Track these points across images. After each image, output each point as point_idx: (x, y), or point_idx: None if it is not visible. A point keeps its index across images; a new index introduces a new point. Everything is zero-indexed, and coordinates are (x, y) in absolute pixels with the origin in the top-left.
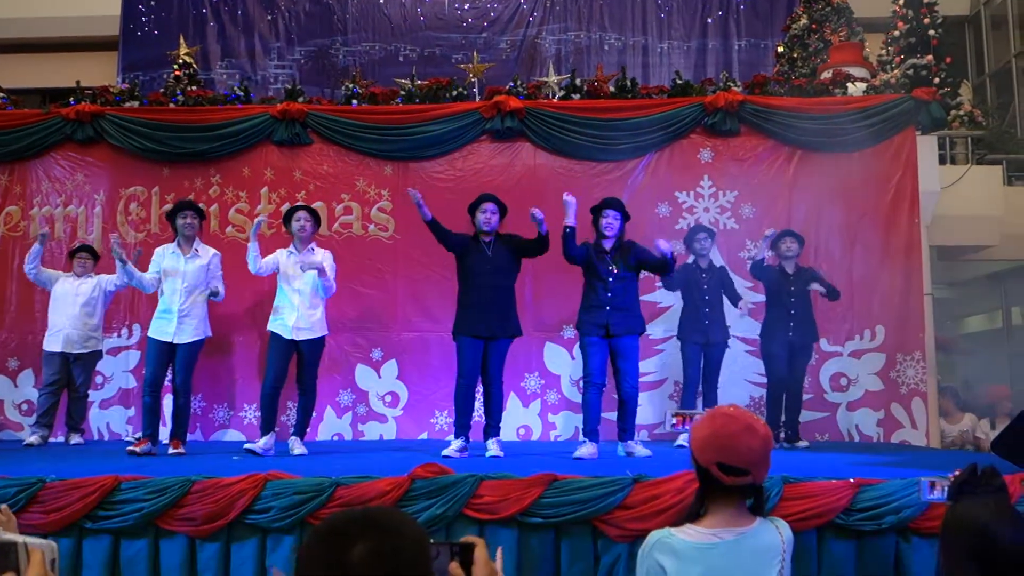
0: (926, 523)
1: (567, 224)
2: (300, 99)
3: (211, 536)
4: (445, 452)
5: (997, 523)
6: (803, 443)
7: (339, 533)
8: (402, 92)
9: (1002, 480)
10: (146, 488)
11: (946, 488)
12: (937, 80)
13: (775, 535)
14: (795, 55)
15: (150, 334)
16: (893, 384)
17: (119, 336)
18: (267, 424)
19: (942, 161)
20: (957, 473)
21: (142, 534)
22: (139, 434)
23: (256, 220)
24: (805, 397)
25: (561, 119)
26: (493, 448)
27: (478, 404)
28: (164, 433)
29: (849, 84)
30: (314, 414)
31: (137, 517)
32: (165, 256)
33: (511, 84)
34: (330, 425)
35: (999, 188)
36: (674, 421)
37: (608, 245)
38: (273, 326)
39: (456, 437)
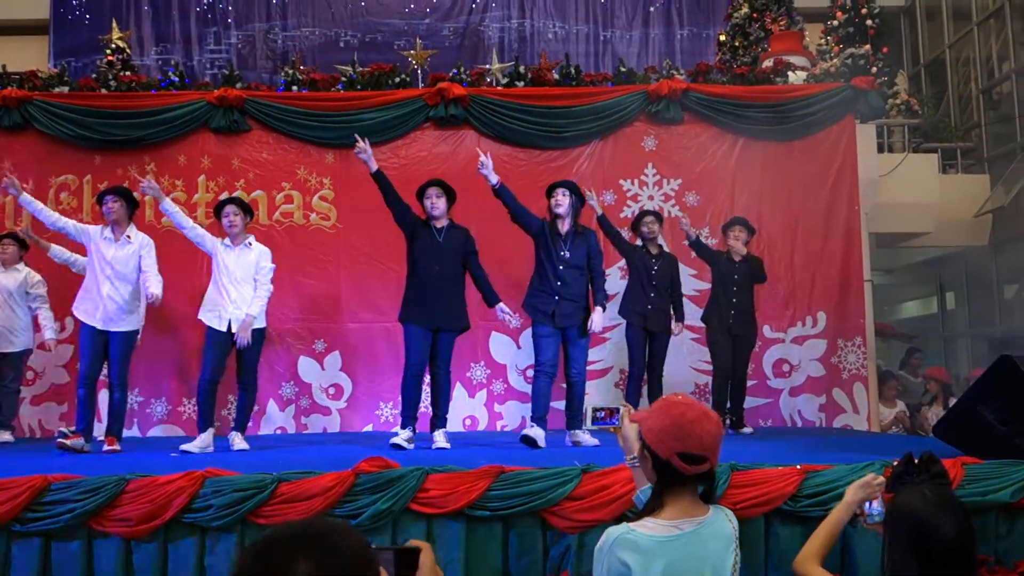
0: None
1: (492, 184)
2: (238, 85)
3: (147, 537)
4: (394, 441)
5: (934, 514)
6: (748, 429)
7: (279, 551)
8: (343, 78)
9: (941, 466)
10: (78, 488)
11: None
12: (875, 70)
13: (727, 523)
14: (736, 44)
15: (76, 313)
16: (835, 369)
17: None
18: (205, 420)
19: (880, 150)
20: (895, 463)
21: (74, 536)
22: (73, 428)
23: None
24: (748, 383)
25: (506, 106)
26: (440, 440)
27: (425, 395)
28: (99, 429)
29: (790, 73)
30: (255, 408)
31: (69, 518)
32: (94, 236)
33: (455, 71)
34: (272, 419)
35: (935, 176)
36: (602, 415)
37: (563, 228)
38: (208, 318)
39: (403, 428)
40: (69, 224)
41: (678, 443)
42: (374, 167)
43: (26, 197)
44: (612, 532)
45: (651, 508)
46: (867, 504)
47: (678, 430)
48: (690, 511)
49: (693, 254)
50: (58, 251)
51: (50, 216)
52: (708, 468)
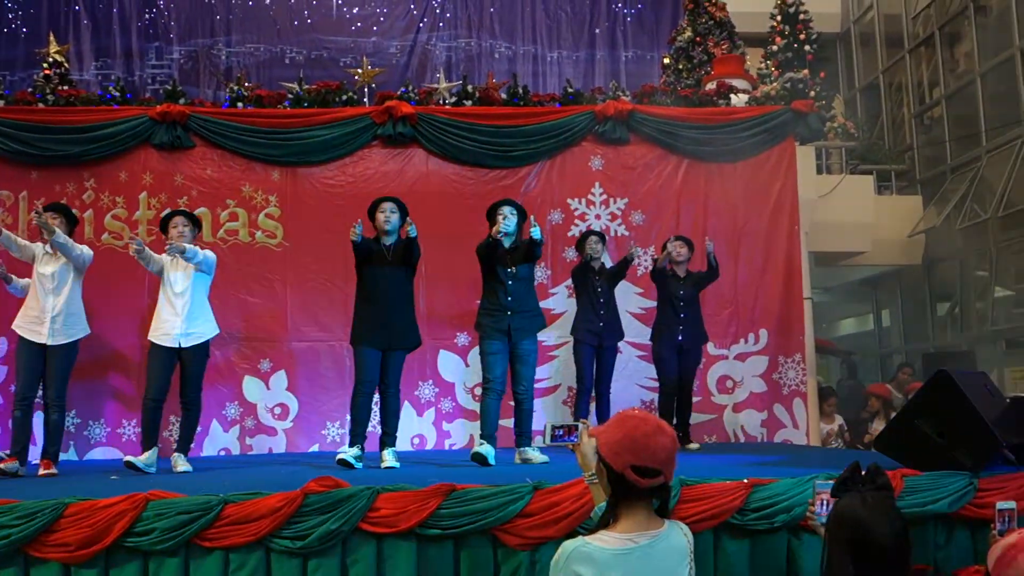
0: (809, 519)
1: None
2: (181, 100)
3: (87, 562)
4: (341, 456)
5: (872, 517)
6: (694, 445)
7: None
8: (290, 95)
9: (886, 478)
10: (14, 513)
11: (826, 500)
12: (813, 93)
13: (682, 536)
14: (680, 67)
15: (18, 330)
16: (776, 385)
17: None
18: (148, 440)
19: (819, 171)
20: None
21: (10, 563)
22: (6, 451)
23: (134, 246)
24: (693, 400)
25: (454, 125)
26: (389, 459)
27: (373, 414)
28: (34, 453)
29: (732, 95)
30: (199, 428)
31: (4, 545)
32: (38, 252)
33: (403, 89)
34: (216, 439)
35: (871, 197)
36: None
37: (507, 244)
38: (153, 335)
39: (351, 446)
40: (28, 246)
41: (632, 456)
42: (358, 240)
43: (7, 235)
44: (568, 545)
45: (606, 521)
46: (818, 505)
47: (632, 443)
48: (645, 525)
49: (640, 272)
50: (23, 284)
51: (19, 246)
52: (662, 482)
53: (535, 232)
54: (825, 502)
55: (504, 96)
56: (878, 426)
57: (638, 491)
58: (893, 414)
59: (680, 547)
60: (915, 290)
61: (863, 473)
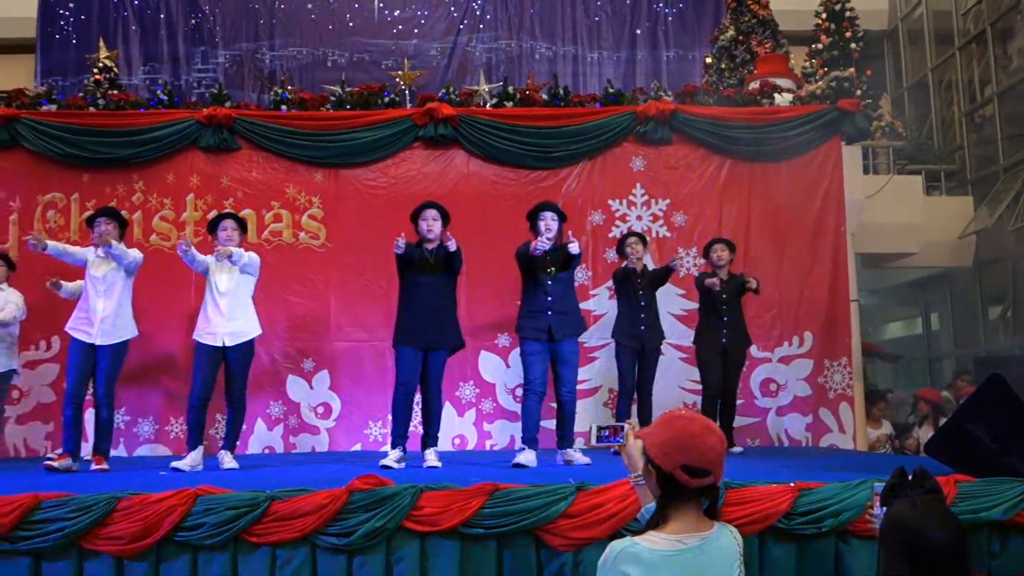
0: (865, 525)
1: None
2: (227, 104)
3: (139, 556)
4: (384, 462)
5: (924, 522)
6: (737, 449)
7: None
8: (332, 98)
9: (935, 482)
10: (68, 506)
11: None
12: (859, 92)
13: (731, 539)
14: (723, 66)
15: (69, 330)
16: (821, 389)
17: (37, 349)
18: (194, 438)
19: (865, 171)
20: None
21: (64, 555)
22: (59, 450)
23: (180, 248)
24: (737, 402)
25: (495, 126)
26: (431, 458)
27: (414, 414)
28: (85, 449)
29: (776, 95)
30: (244, 427)
31: (59, 537)
32: (90, 256)
33: (443, 91)
34: (261, 438)
35: (919, 197)
36: (606, 433)
37: (548, 248)
38: (199, 334)
39: (393, 447)
40: (79, 252)
41: (681, 456)
42: (401, 251)
43: (54, 247)
44: (616, 545)
45: (655, 522)
46: (876, 507)
47: (681, 443)
48: (695, 526)
49: (682, 273)
50: (73, 287)
51: (70, 253)
52: (712, 482)
53: (573, 248)
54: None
55: (545, 97)
56: (926, 432)
57: (688, 492)
58: (943, 420)
59: (730, 549)
60: (966, 293)
61: (910, 478)
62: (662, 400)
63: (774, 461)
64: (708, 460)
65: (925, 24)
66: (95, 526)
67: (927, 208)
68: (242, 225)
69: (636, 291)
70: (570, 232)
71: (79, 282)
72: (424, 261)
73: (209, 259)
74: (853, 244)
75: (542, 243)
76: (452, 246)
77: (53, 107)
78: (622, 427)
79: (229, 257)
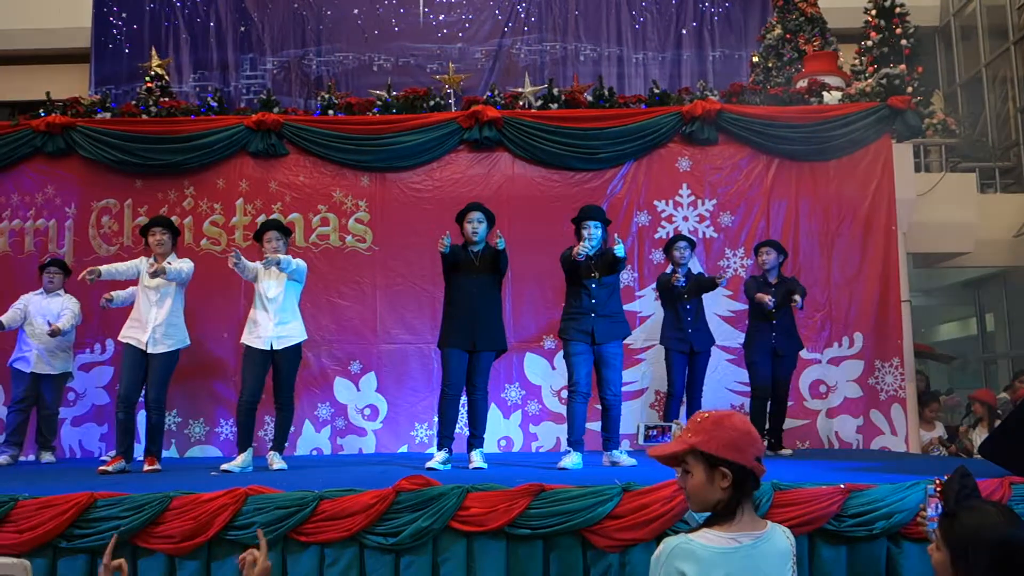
0: (917, 528)
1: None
2: (275, 109)
3: (191, 554)
4: (429, 464)
5: (1015, 530)
6: (787, 451)
7: None
8: (378, 102)
9: (974, 480)
10: (123, 505)
11: (939, 504)
12: (910, 89)
13: (785, 539)
14: (770, 64)
15: (123, 338)
16: (872, 391)
17: (92, 352)
18: (244, 440)
19: (917, 169)
20: (939, 486)
21: (119, 553)
22: (112, 452)
23: (232, 258)
24: (787, 405)
25: (539, 128)
26: (477, 460)
27: (460, 416)
28: (138, 451)
29: (825, 93)
30: (292, 428)
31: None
32: (143, 267)
33: (488, 94)
34: (308, 439)
35: (973, 195)
36: (654, 433)
37: (591, 252)
38: (248, 338)
39: (439, 449)
40: (131, 267)
41: (754, 448)
42: (446, 251)
43: (107, 272)
44: (670, 542)
45: (720, 520)
46: (930, 510)
47: (750, 436)
48: (750, 525)
49: (729, 273)
50: (124, 296)
51: (122, 272)
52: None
53: (619, 250)
54: (939, 506)
55: (590, 98)
56: (980, 434)
57: (756, 483)
58: (997, 422)
59: (784, 549)
60: (1022, 292)
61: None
62: (710, 402)
63: (824, 463)
64: (761, 451)
65: (978, 19)
66: (148, 525)
67: (981, 206)
68: (285, 232)
69: (681, 295)
70: (616, 234)
71: (131, 289)
72: (470, 263)
73: (258, 266)
74: (905, 243)
75: (584, 248)
76: (501, 244)
77: (107, 115)
78: (669, 427)
79: (277, 264)
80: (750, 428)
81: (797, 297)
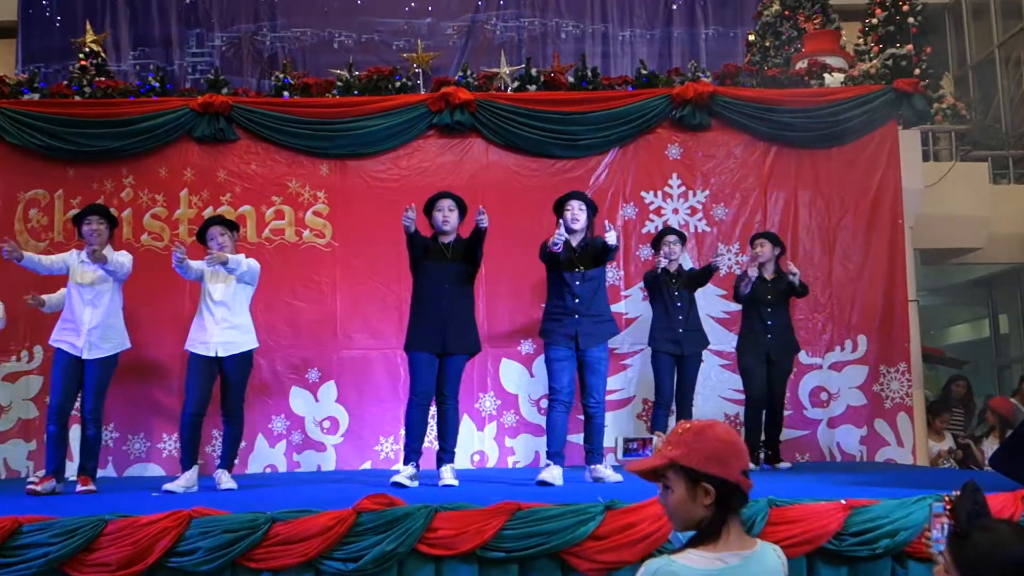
0: (923, 546)
1: (611, 245)
2: (224, 90)
3: None
4: (396, 479)
5: None
6: (785, 464)
7: None
8: (339, 83)
9: (984, 496)
10: (52, 530)
11: (946, 524)
12: (918, 71)
13: (776, 558)
14: (767, 44)
15: (54, 342)
16: (877, 398)
17: (18, 360)
18: (189, 457)
19: (925, 158)
20: (948, 503)
21: None
22: (41, 472)
23: (176, 256)
24: (784, 414)
25: (516, 112)
26: (447, 476)
27: (429, 428)
28: (71, 469)
29: (826, 75)
30: (243, 443)
31: (42, 564)
32: (73, 262)
33: (460, 74)
34: (261, 456)
35: (985, 186)
36: (634, 446)
37: (576, 242)
38: (193, 344)
39: (405, 464)
40: (56, 261)
41: (739, 460)
42: (412, 230)
43: (29, 258)
44: (652, 564)
45: (705, 539)
46: (935, 531)
47: (733, 447)
48: (738, 544)
49: (722, 273)
50: (56, 299)
51: (46, 266)
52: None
53: (611, 238)
54: (945, 526)
55: (571, 80)
56: (992, 444)
57: (740, 502)
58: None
59: (774, 569)
60: None
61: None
62: (702, 412)
63: (824, 477)
64: (747, 463)
65: None
66: (81, 551)
67: (994, 198)
68: (232, 227)
69: (671, 292)
70: (606, 221)
71: (61, 292)
72: (439, 253)
73: (203, 265)
74: (912, 238)
75: (559, 236)
76: (484, 222)
77: (35, 96)
78: (651, 439)
79: (224, 264)
80: (735, 438)
81: (794, 269)
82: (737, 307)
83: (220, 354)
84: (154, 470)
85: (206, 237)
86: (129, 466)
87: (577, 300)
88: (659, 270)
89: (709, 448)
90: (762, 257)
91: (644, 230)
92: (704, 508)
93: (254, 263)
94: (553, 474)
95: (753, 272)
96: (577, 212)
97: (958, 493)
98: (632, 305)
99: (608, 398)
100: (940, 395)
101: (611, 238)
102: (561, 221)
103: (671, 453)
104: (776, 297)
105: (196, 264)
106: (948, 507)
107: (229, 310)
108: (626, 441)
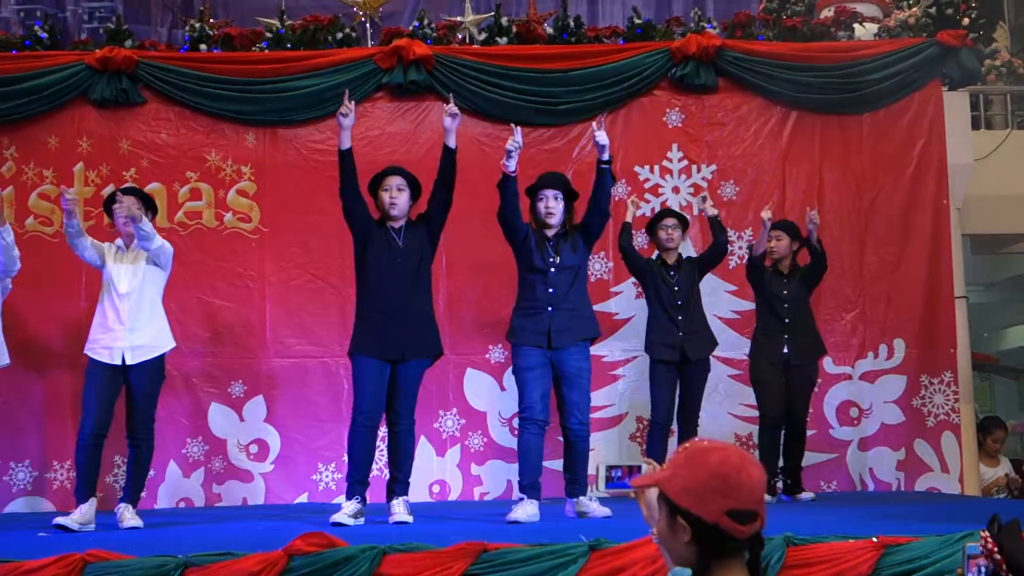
0: None
1: (508, 172)
2: (127, 43)
3: None
4: (335, 518)
5: None
6: (807, 494)
7: None
8: (268, 34)
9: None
10: None
11: (982, 567)
12: (967, 21)
13: None
14: None
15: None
16: (917, 415)
17: None
18: (86, 488)
19: (975, 125)
20: (988, 542)
21: None
22: None
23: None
24: (807, 434)
25: (483, 70)
26: (400, 511)
27: (379, 453)
28: None
29: (856, 25)
30: (151, 472)
31: None
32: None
33: (416, 24)
34: (174, 487)
35: None
36: (618, 474)
37: (552, 232)
38: (91, 348)
39: (348, 498)
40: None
41: (725, 499)
42: (347, 143)
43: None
44: None
45: None
46: (971, 574)
47: (722, 482)
48: None
49: (731, 265)
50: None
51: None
52: (761, 526)
53: (600, 137)
54: (982, 570)
55: (550, 31)
56: None
57: (734, 545)
58: None
59: None
60: None
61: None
62: (708, 432)
63: (853, 510)
64: (756, 499)
65: None
66: None
67: None
68: (149, 204)
69: (669, 286)
70: (594, 123)
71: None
72: (387, 240)
73: (104, 248)
74: (959, 223)
75: (512, 145)
76: (451, 141)
77: None
78: (639, 467)
79: (136, 222)
80: (730, 472)
81: (815, 218)
82: (750, 306)
83: (128, 361)
84: (43, 505)
85: (112, 211)
86: (11, 500)
87: (551, 290)
88: (631, 218)
89: (690, 478)
90: (777, 252)
91: (639, 212)
92: (684, 546)
93: (167, 243)
94: (528, 512)
95: (760, 246)
96: (552, 204)
97: (997, 529)
98: (624, 303)
99: (593, 416)
100: (993, 410)
101: (601, 137)
102: (540, 210)
103: (657, 475)
104: (794, 292)
105: (94, 244)
106: (988, 546)
107: (138, 304)
108: (609, 469)
